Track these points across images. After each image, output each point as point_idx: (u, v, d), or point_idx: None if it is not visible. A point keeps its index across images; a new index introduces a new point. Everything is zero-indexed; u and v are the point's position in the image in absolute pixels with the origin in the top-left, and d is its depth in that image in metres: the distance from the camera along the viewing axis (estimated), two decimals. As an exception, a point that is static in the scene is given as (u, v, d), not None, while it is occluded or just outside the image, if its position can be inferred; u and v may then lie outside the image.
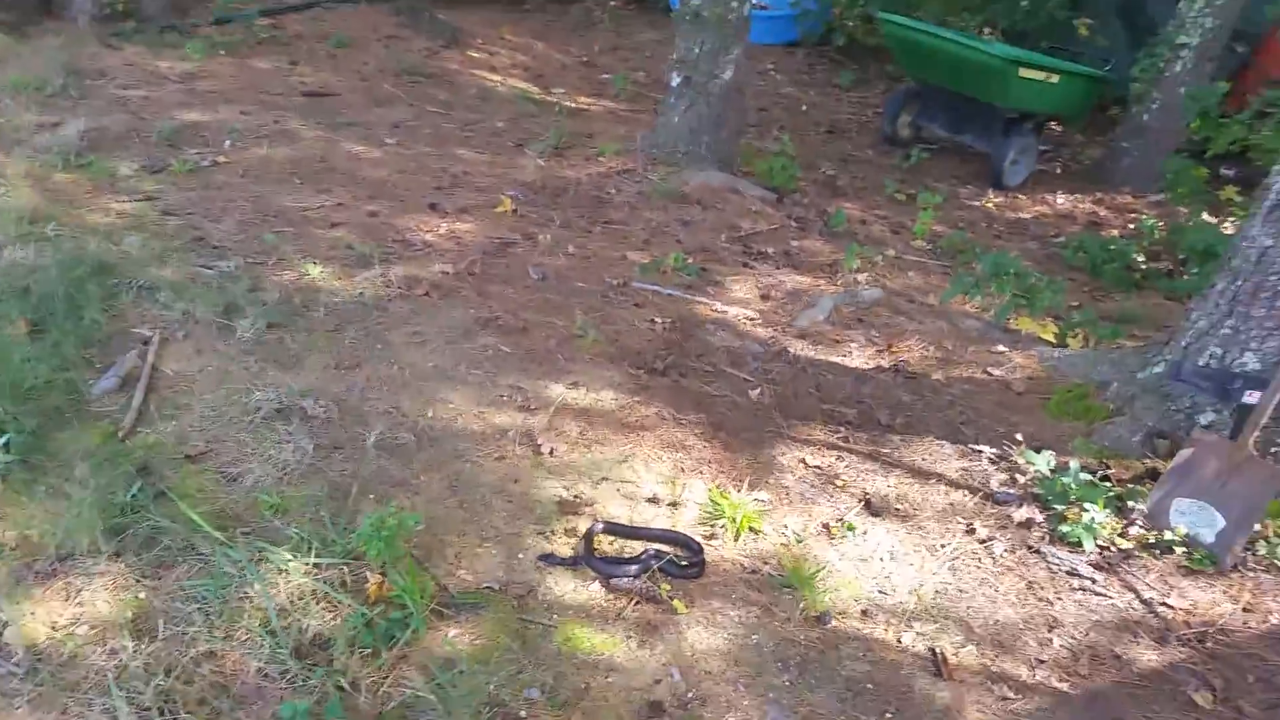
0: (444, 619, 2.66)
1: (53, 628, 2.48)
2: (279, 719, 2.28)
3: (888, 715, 2.51)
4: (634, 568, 2.88)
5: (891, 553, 3.13)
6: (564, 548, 2.98)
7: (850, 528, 3.20)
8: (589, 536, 2.99)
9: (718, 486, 3.34)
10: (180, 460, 3.12)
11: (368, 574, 2.70)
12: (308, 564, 2.69)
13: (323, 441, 3.27)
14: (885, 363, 4.42)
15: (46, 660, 2.38)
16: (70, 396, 3.35)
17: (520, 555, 2.93)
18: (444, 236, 5.05)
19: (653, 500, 3.24)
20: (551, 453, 3.39)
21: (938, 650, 2.74)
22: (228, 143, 5.98)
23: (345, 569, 2.73)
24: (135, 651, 2.39)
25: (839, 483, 3.47)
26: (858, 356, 4.47)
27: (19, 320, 3.60)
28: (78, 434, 3.18)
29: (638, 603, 2.79)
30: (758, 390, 3.99)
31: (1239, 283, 3.74)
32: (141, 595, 2.59)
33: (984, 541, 3.23)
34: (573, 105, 8.11)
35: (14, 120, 5.72)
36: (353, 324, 4.04)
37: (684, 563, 2.94)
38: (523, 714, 2.40)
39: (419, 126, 6.92)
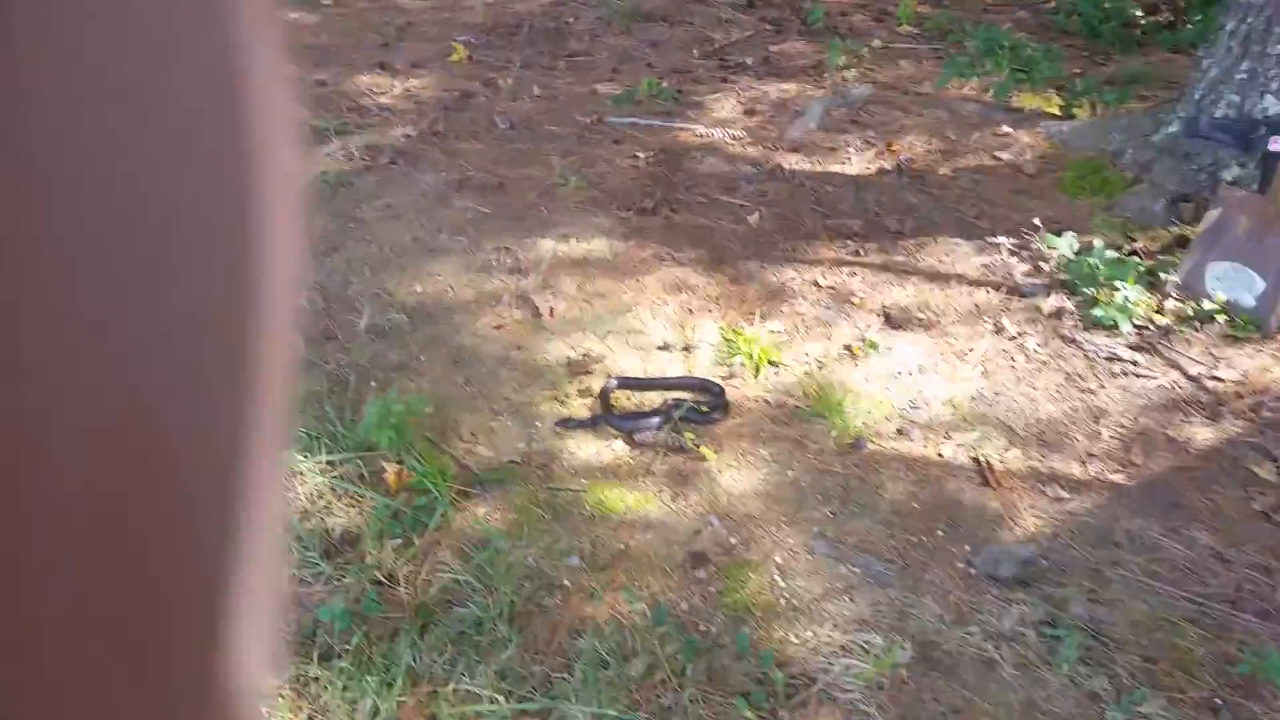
0: (470, 499, 2.57)
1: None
2: (320, 623, 2.22)
3: (939, 532, 2.43)
4: (656, 420, 2.75)
5: (920, 365, 3.00)
6: (580, 409, 2.85)
7: (873, 346, 3.06)
8: (605, 394, 2.86)
9: (729, 323, 3.18)
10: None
11: (384, 464, 2.59)
12: (321, 463, 2.58)
13: (313, 334, 3.10)
14: (887, 164, 4.17)
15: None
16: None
17: (537, 424, 2.81)
18: (400, 97, 4.71)
19: (664, 348, 3.09)
20: (551, 313, 3.22)
21: (982, 459, 2.65)
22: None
23: (360, 462, 2.61)
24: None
25: (855, 300, 3.30)
26: (856, 162, 4.22)
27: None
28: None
29: (665, 455, 2.68)
30: (755, 214, 3.77)
31: (1249, 20, 3.45)
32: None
33: (1015, 338, 3.09)
34: (513, -69, 7.50)
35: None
36: (320, 206, 3.78)
37: (706, 408, 2.81)
38: (565, 582, 2.33)
39: (352, -21, 6.41)
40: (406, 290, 3.32)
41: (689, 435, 2.70)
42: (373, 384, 2.93)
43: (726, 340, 3.09)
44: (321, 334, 3.11)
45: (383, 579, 2.33)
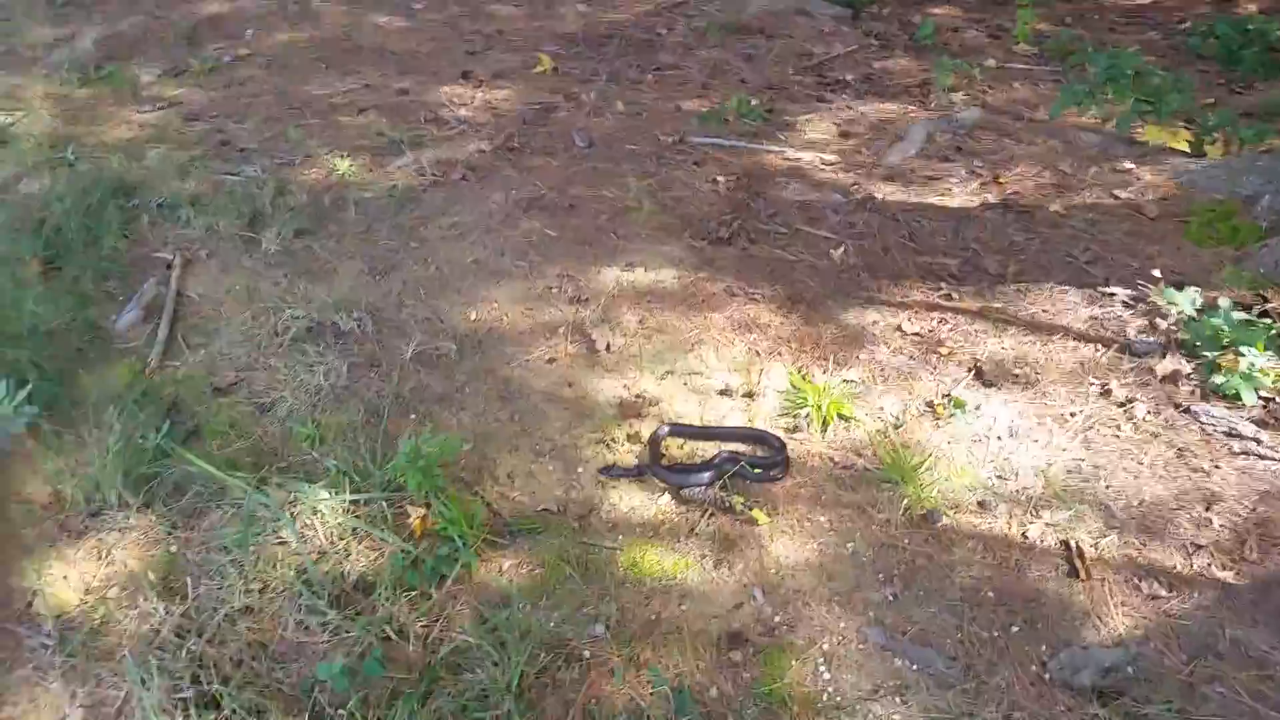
0: (497, 549, 2.38)
1: (85, 591, 2.31)
2: (317, 681, 2.05)
3: (1014, 629, 2.12)
4: (706, 474, 2.52)
5: (1011, 429, 2.68)
6: (627, 456, 2.64)
7: (959, 404, 2.75)
8: (654, 441, 2.64)
9: (799, 369, 2.92)
10: (210, 394, 2.88)
11: (409, 507, 2.43)
12: (345, 502, 2.43)
13: (357, 359, 2.98)
14: (992, 198, 3.83)
15: (77, 629, 2.21)
16: (93, 335, 3.12)
17: (579, 469, 2.61)
18: (479, 108, 4.59)
19: (725, 392, 2.85)
20: (608, 348, 3.02)
21: (1072, 543, 2.32)
22: (249, 33, 5.57)
23: (385, 503, 2.45)
24: (167, 613, 2.19)
25: (943, 350, 3.00)
26: (958, 194, 3.89)
27: (31, 260, 3.36)
28: (104, 375, 2.96)
29: (712, 515, 2.45)
30: (840, 249, 3.49)
31: None
32: (173, 549, 2.39)
33: (1123, 404, 2.74)
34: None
35: (27, 37, 5.43)
36: (385, 222, 3.68)
37: (760, 466, 2.55)
38: (586, 654, 2.12)
39: (449, -14, 6.35)
40: (460, 316, 3.17)
41: (738, 497, 2.44)
42: (413, 416, 2.78)
43: (794, 387, 2.83)
44: (367, 360, 2.98)
45: (391, 634, 2.17)
